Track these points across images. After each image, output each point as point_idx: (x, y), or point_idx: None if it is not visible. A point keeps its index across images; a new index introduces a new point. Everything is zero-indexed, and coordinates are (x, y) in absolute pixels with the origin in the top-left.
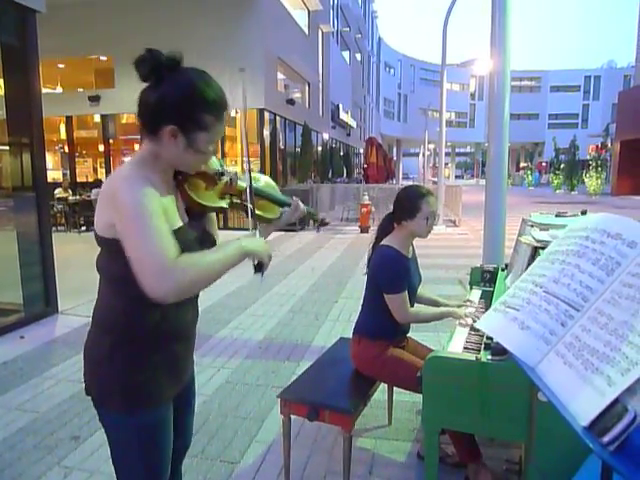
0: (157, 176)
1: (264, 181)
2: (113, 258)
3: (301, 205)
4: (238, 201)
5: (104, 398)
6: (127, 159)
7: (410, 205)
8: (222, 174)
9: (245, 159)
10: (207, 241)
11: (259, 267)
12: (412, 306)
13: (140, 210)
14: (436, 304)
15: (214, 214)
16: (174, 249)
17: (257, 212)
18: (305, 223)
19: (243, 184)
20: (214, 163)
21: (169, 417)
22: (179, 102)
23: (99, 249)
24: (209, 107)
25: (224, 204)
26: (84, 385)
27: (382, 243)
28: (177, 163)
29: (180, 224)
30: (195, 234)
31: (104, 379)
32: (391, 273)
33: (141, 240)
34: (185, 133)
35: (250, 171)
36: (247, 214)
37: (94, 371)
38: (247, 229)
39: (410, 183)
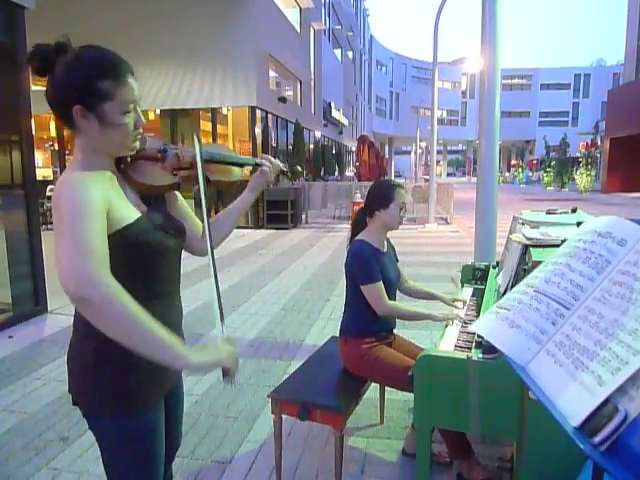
0: (98, 172)
1: (216, 147)
2: None
3: (273, 160)
4: (192, 173)
5: (93, 406)
6: (70, 163)
7: (384, 195)
8: (165, 150)
9: (194, 133)
10: (172, 228)
11: (224, 373)
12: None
13: (75, 214)
14: (432, 297)
15: (182, 200)
16: (102, 257)
17: (216, 178)
18: (278, 180)
19: (192, 154)
20: (154, 142)
21: (160, 419)
22: (72, 79)
23: None
24: (102, 73)
25: (175, 180)
26: (71, 396)
27: (356, 238)
28: (105, 147)
29: (137, 215)
30: (157, 222)
31: (91, 386)
32: (362, 263)
33: (68, 242)
34: (91, 109)
35: (198, 137)
36: (198, 182)
37: (80, 380)
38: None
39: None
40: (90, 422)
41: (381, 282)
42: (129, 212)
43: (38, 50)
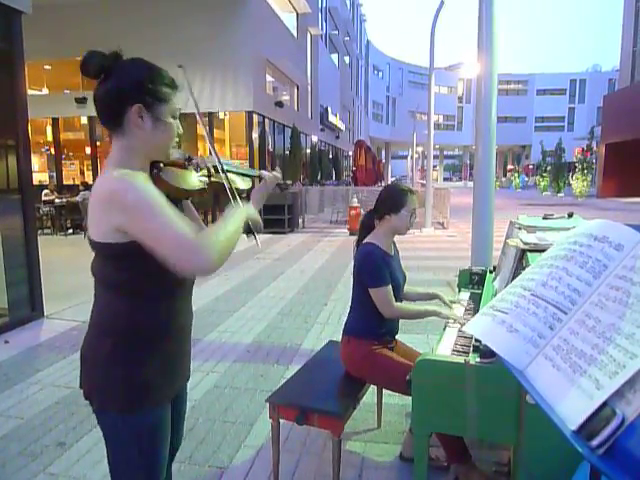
0: (138, 171)
1: (228, 159)
2: (112, 263)
3: (269, 173)
4: (214, 180)
5: (106, 400)
6: (107, 162)
7: (396, 200)
8: (190, 159)
9: (209, 146)
10: None
11: (250, 230)
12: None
13: (150, 204)
14: (430, 297)
15: (191, 205)
16: (190, 229)
17: (234, 186)
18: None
19: (211, 164)
20: (179, 152)
21: (168, 416)
22: (136, 81)
23: (92, 254)
24: (164, 79)
25: (203, 185)
26: (83, 390)
27: (364, 241)
28: (149, 148)
29: None
30: None
31: (106, 381)
32: (373, 267)
33: (163, 230)
34: (149, 109)
35: (215, 151)
36: (225, 189)
37: (94, 374)
38: None
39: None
40: (99, 417)
41: (390, 286)
42: None
43: (96, 54)
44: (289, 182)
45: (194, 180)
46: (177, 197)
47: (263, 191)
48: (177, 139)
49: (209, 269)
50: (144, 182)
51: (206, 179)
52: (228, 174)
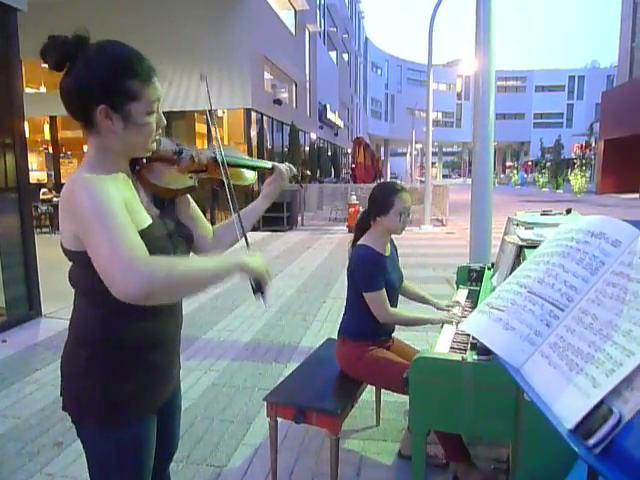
0: (113, 174)
1: (231, 149)
2: (84, 271)
3: (285, 165)
4: (207, 176)
5: (82, 414)
6: (83, 161)
7: (383, 201)
8: (180, 152)
9: (216, 135)
10: (181, 234)
11: (258, 287)
12: (395, 304)
13: (99, 210)
14: (425, 301)
15: (194, 203)
16: (141, 247)
17: (232, 182)
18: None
19: (207, 156)
20: (167, 143)
21: (150, 432)
22: (99, 77)
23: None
24: (130, 71)
25: (192, 183)
26: (61, 400)
27: (359, 242)
28: (125, 148)
29: (149, 221)
30: (167, 229)
31: (81, 394)
32: (366, 271)
33: (104, 241)
34: (117, 109)
35: (218, 140)
36: (221, 186)
37: (71, 386)
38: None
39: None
40: (78, 430)
41: (384, 290)
42: (143, 216)
43: (56, 42)
44: (308, 172)
45: (182, 177)
46: (163, 197)
47: (277, 184)
48: (159, 131)
49: (134, 294)
50: (106, 190)
51: (197, 175)
52: (229, 168)
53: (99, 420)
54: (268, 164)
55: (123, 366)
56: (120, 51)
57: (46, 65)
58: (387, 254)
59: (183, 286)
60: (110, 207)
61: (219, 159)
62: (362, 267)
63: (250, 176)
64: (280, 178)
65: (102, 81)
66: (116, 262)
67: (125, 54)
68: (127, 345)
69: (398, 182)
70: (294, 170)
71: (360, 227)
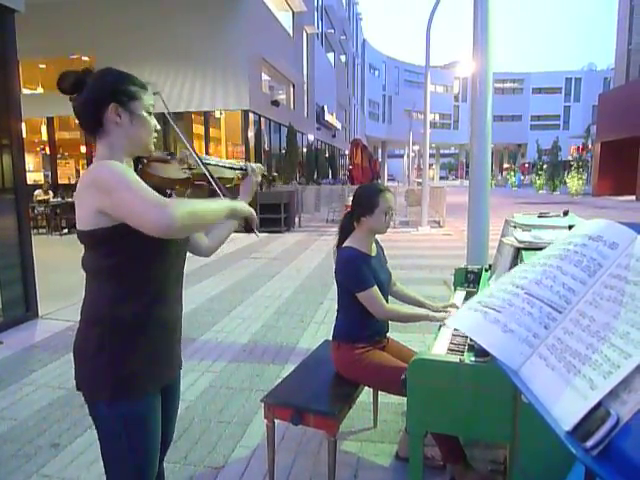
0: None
1: (210, 156)
2: (99, 250)
3: (254, 164)
4: (196, 171)
5: (95, 389)
6: (94, 160)
7: (368, 201)
8: (171, 154)
9: (188, 145)
10: None
11: (249, 226)
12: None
13: (123, 178)
14: (420, 304)
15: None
16: (161, 196)
17: (217, 176)
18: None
19: (192, 156)
20: (160, 152)
21: (156, 409)
22: (108, 85)
23: (83, 250)
24: (130, 79)
25: (187, 175)
26: (75, 382)
27: (344, 245)
28: (131, 143)
29: None
30: None
31: (94, 371)
32: (354, 272)
33: (134, 197)
34: (124, 106)
35: (194, 149)
36: (209, 181)
37: (84, 365)
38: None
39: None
40: (90, 408)
41: (376, 287)
42: None
43: (69, 73)
44: (275, 174)
45: (178, 171)
46: (163, 186)
47: (250, 180)
48: (155, 134)
49: (169, 225)
50: (122, 166)
51: (189, 170)
52: (210, 167)
53: (109, 394)
54: (241, 164)
55: (132, 342)
56: (118, 70)
57: (61, 92)
58: (373, 254)
59: (197, 219)
60: (130, 176)
61: (195, 158)
62: (350, 268)
63: (231, 175)
64: (253, 174)
65: (110, 85)
66: (149, 206)
67: (123, 71)
68: (135, 322)
69: (381, 183)
70: (263, 168)
71: (344, 229)
